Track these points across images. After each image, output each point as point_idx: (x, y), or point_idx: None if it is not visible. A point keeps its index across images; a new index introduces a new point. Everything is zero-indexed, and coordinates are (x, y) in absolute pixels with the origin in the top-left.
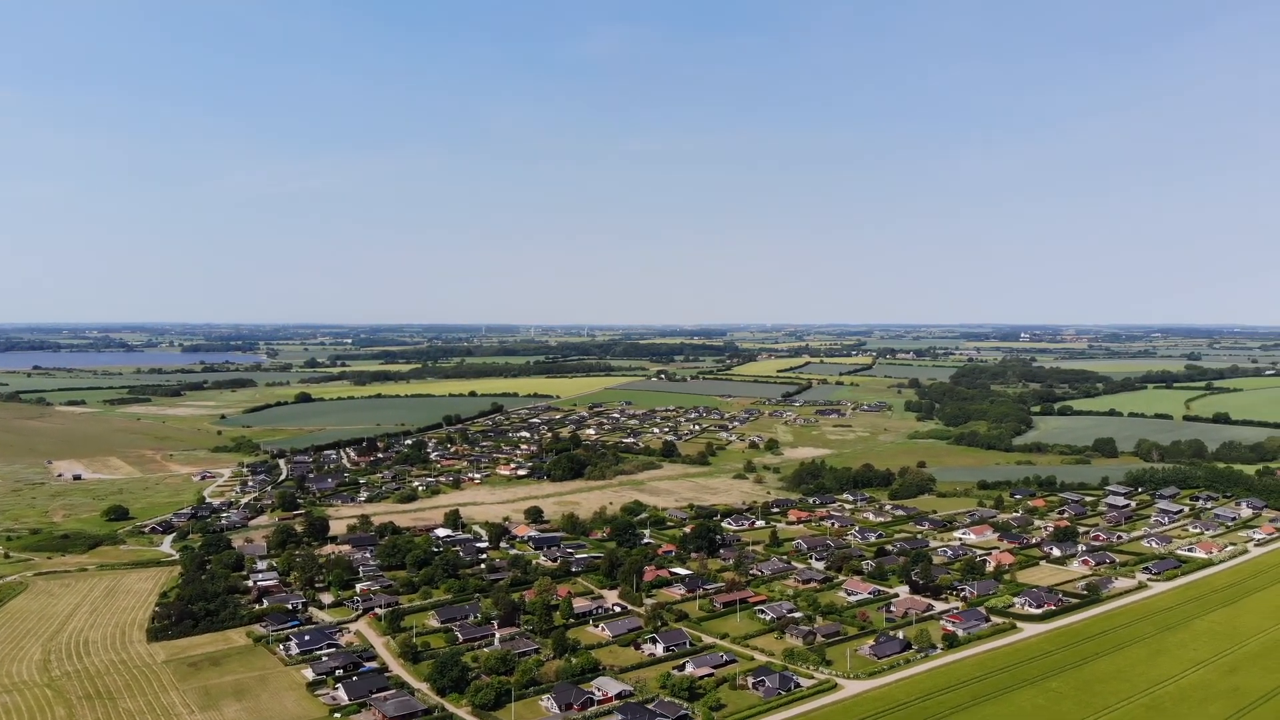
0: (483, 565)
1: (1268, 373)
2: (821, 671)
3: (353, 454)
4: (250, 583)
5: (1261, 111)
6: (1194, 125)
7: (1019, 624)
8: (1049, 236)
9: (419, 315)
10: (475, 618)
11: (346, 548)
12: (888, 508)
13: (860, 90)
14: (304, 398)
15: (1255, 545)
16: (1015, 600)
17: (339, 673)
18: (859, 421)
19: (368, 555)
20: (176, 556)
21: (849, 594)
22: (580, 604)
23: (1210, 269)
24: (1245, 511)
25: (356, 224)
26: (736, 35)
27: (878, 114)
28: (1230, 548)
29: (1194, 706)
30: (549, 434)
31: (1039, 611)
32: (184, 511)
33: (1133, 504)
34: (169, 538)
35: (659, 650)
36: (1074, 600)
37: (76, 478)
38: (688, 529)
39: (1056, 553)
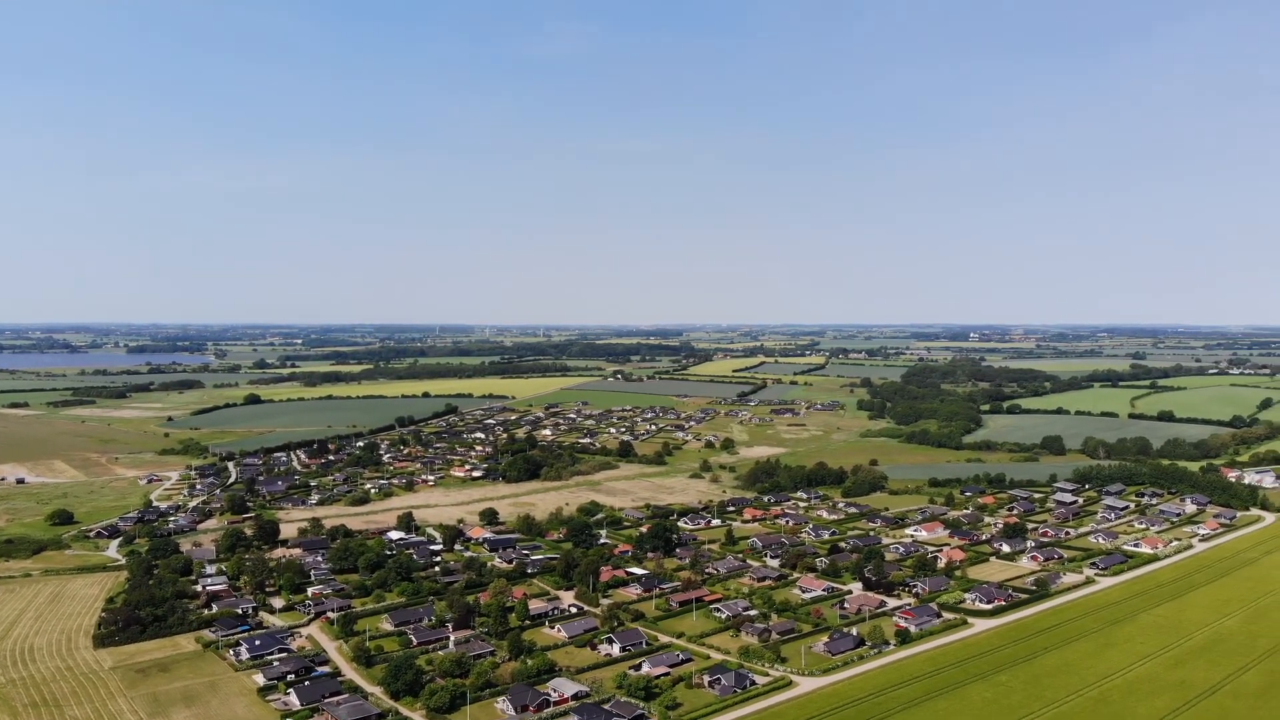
0: (437, 568)
1: (1210, 371)
2: (776, 669)
3: (303, 456)
4: (199, 587)
5: (1206, 118)
6: (1141, 130)
7: (970, 619)
8: (999, 238)
9: (371, 315)
10: (429, 620)
11: (297, 551)
12: (841, 505)
13: (813, 91)
14: (253, 399)
15: (1199, 540)
16: (966, 596)
17: (290, 678)
18: (813, 420)
19: (319, 559)
20: (123, 561)
21: (803, 591)
22: (536, 605)
23: (1155, 270)
24: (1189, 507)
25: (308, 223)
26: (690, 35)
27: (830, 115)
28: (1175, 543)
29: (1141, 699)
30: (504, 435)
31: (989, 607)
32: (130, 515)
33: (1080, 501)
34: (115, 542)
35: (615, 650)
36: (1023, 595)
37: (20, 481)
38: (644, 529)
39: (1006, 549)
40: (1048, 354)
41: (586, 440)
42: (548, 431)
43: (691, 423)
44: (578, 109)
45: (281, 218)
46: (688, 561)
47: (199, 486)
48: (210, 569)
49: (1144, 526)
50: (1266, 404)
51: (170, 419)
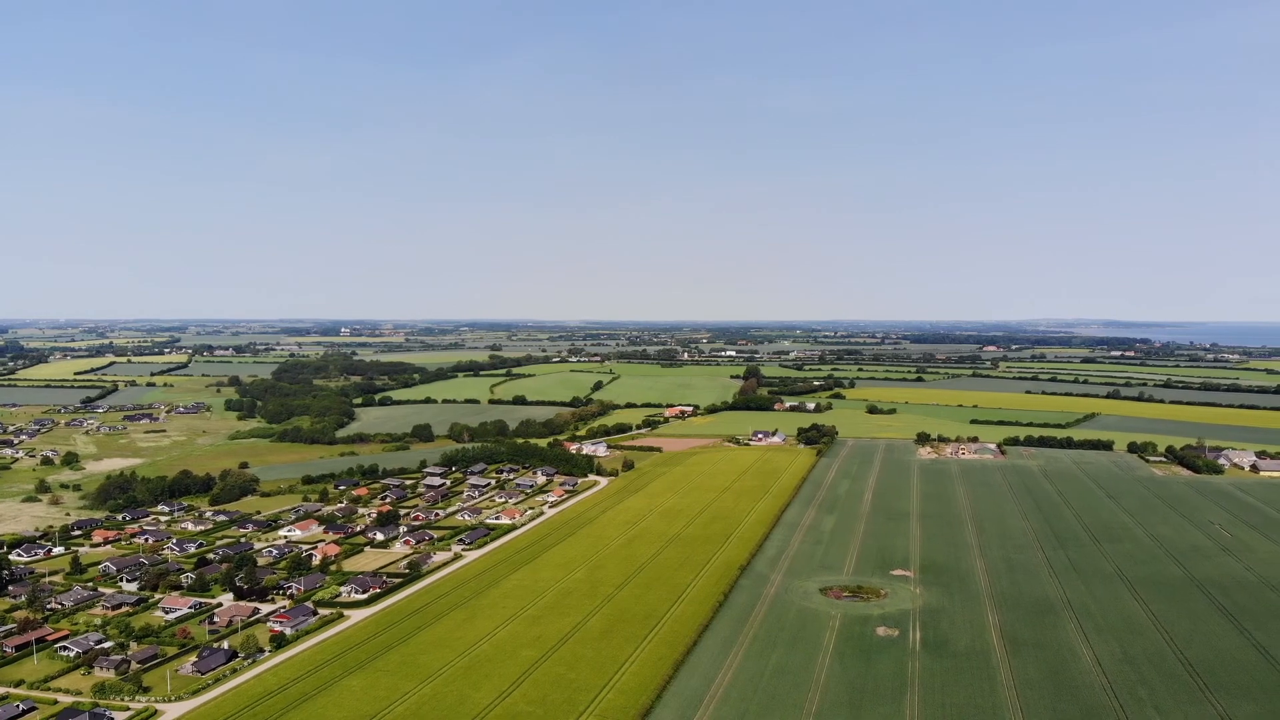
0: None
1: (554, 360)
2: (139, 700)
3: None
4: None
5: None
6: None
7: (346, 612)
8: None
9: None
10: None
11: None
12: (209, 514)
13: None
14: None
15: (549, 507)
16: (342, 589)
17: None
18: (175, 425)
19: None
20: None
21: (167, 612)
22: None
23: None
24: (540, 479)
25: None
26: None
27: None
28: (530, 511)
29: (507, 657)
30: None
31: (365, 597)
32: None
33: (448, 483)
34: None
35: None
36: (397, 580)
37: None
38: None
39: (380, 537)
40: (416, 347)
41: None
42: None
43: (23, 436)
44: None
45: None
46: (24, 599)
47: None
48: None
49: (503, 500)
50: (598, 386)
51: None
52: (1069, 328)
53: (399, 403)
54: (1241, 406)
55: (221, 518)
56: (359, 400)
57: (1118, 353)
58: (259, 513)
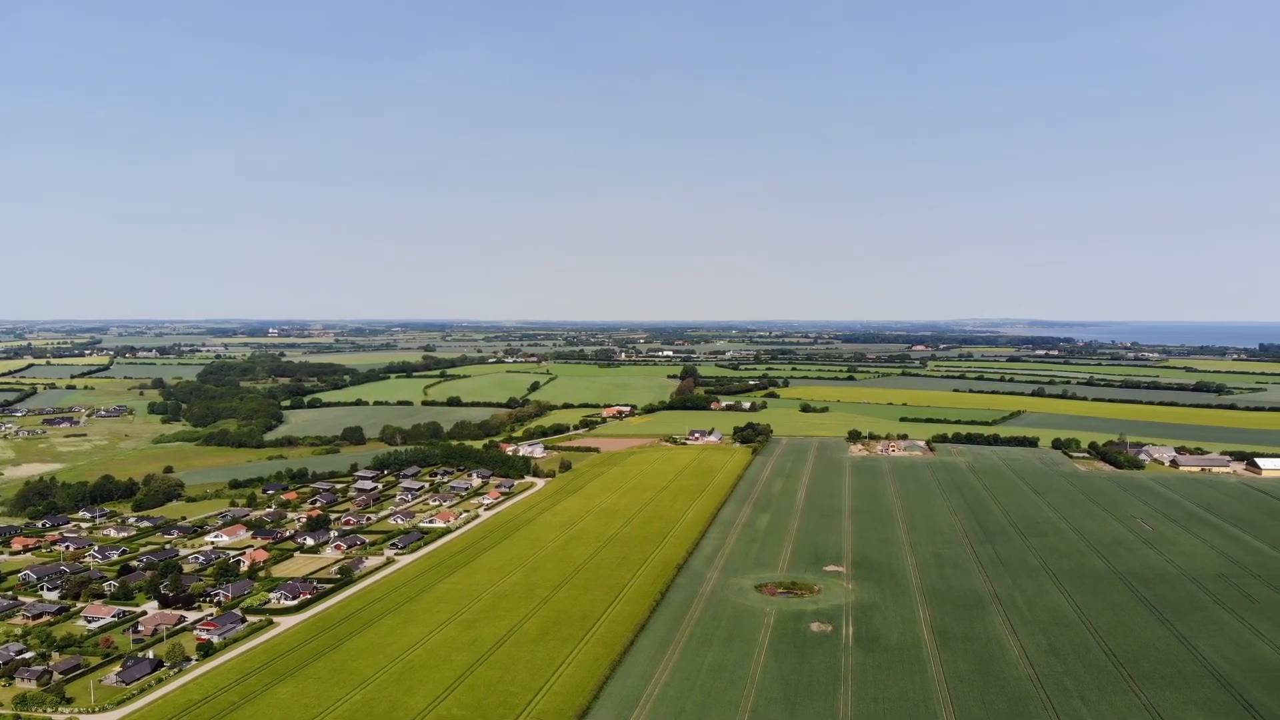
0: None
1: (490, 361)
2: (62, 712)
3: None
4: None
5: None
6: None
7: (275, 619)
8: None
9: None
10: None
11: None
12: (132, 521)
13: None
14: None
15: (485, 510)
16: (271, 596)
17: None
18: (96, 429)
19: None
20: None
21: (90, 621)
22: None
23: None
24: (476, 481)
25: None
26: None
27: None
28: (464, 514)
29: (441, 662)
30: None
31: (295, 603)
32: None
33: (380, 486)
34: None
35: None
36: (328, 585)
37: None
38: None
39: (310, 542)
40: (346, 348)
41: None
42: None
43: None
44: None
45: None
46: None
47: None
48: None
49: (438, 503)
50: (535, 386)
51: None
52: (995, 328)
53: (329, 405)
54: (1161, 404)
55: (145, 524)
56: (288, 402)
57: (1042, 352)
58: (184, 518)
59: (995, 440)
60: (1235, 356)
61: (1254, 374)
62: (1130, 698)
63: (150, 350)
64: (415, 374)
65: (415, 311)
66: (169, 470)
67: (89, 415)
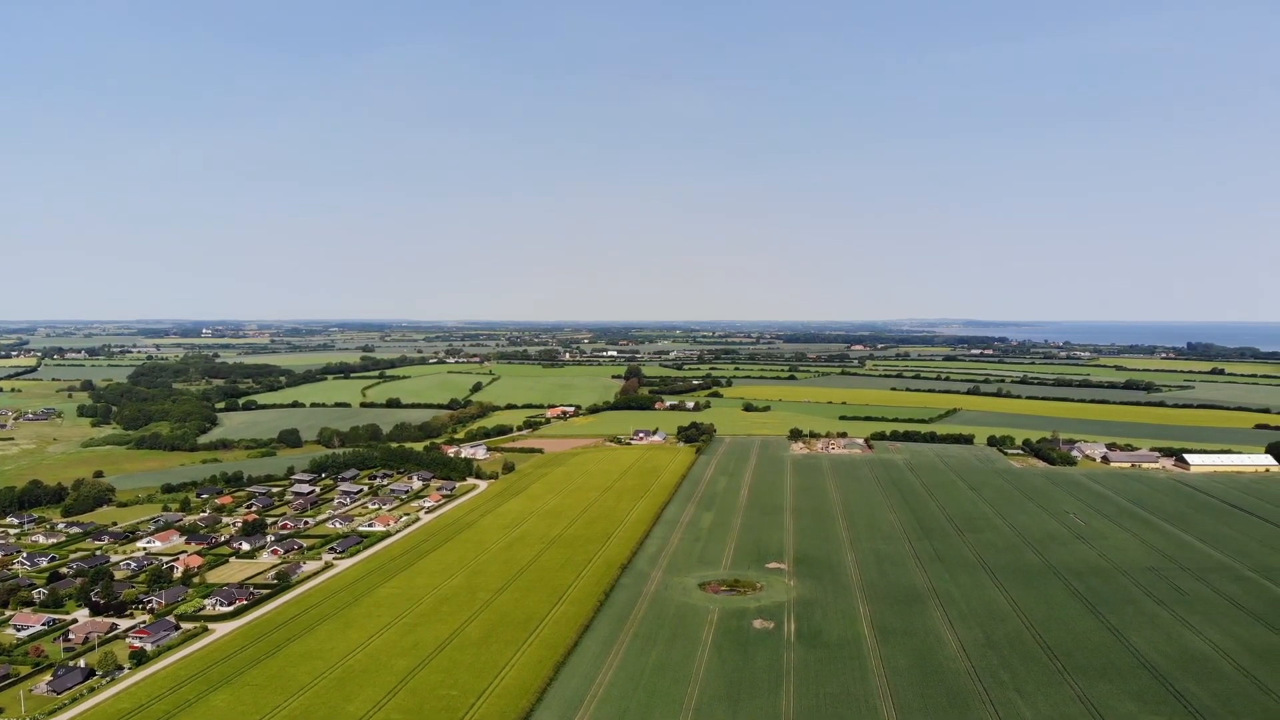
0: None
1: (431, 361)
2: None
3: None
4: None
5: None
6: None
7: (211, 625)
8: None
9: None
10: None
11: None
12: (61, 526)
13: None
14: None
15: (426, 513)
16: (206, 602)
17: None
18: (23, 432)
19: None
20: None
21: (19, 629)
22: None
23: (374, 270)
24: (416, 484)
25: None
26: None
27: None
28: (405, 518)
29: (382, 667)
30: None
31: (231, 609)
32: None
33: (318, 490)
34: None
35: None
36: (265, 591)
37: None
38: None
39: (246, 547)
40: (283, 349)
41: None
42: None
43: None
44: None
45: None
46: None
47: None
48: None
49: (377, 506)
50: (477, 387)
51: None
52: (932, 327)
53: (265, 407)
54: (1092, 401)
55: (75, 530)
56: (222, 405)
57: (977, 351)
58: (116, 524)
59: (932, 438)
60: (1164, 355)
61: (1182, 372)
62: (1064, 689)
63: (79, 351)
64: (354, 375)
65: (353, 311)
66: (99, 475)
67: (15, 419)
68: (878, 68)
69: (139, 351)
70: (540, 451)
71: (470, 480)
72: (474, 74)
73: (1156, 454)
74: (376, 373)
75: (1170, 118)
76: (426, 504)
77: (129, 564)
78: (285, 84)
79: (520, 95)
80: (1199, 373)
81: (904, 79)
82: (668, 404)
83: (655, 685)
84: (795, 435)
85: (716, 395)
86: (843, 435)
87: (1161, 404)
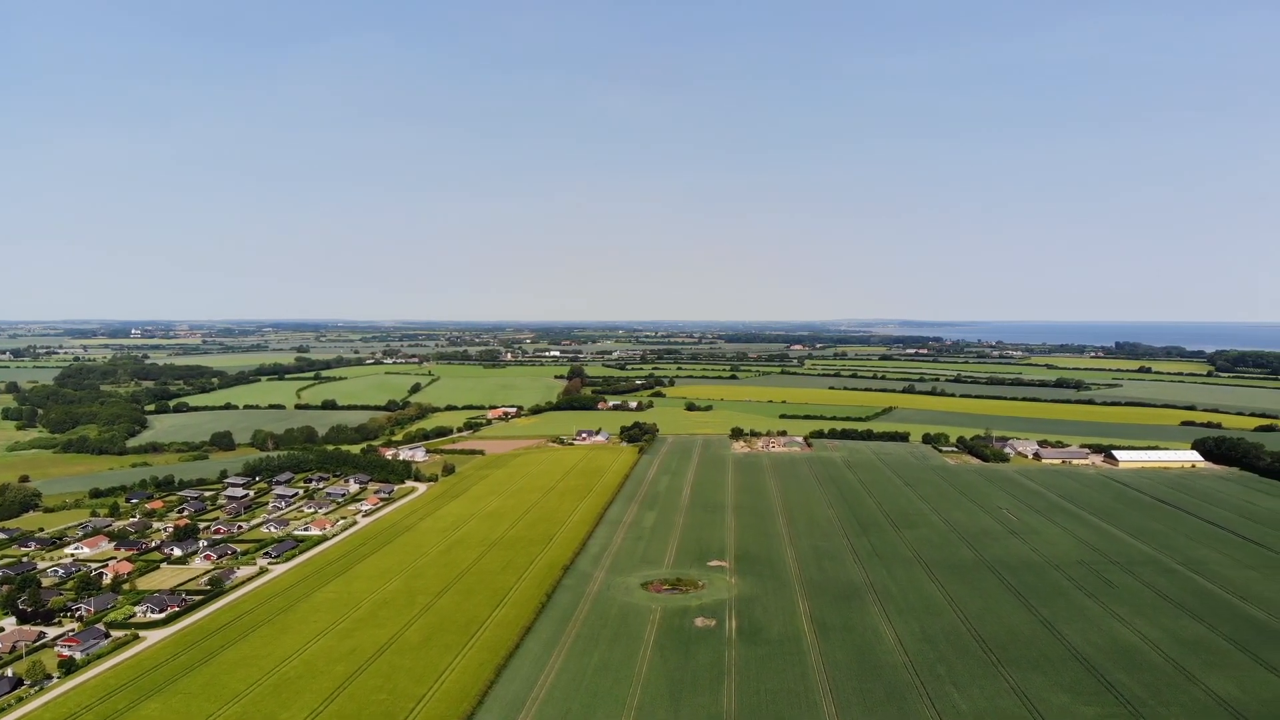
0: None
1: (368, 362)
2: None
3: None
4: None
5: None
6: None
7: (142, 633)
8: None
9: None
10: None
11: None
12: None
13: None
14: None
15: (363, 516)
16: (136, 609)
17: None
18: None
19: None
20: None
21: None
22: None
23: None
24: (353, 487)
25: None
26: None
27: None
28: (342, 521)
29: (319, 673)
30: None
31: (162, 616)
32: None
33: (252, 493)
34: None
35: None
36: (198, 597)
37: None
38: None
39: (178, 552)
40: (215, 350)
41: None
42: None
43: None
44: None
45: None
46: None
47: None
48: None
49: (313, 510)
50: (416, 388)
51: None
52: (868, 327)
53: (197, 409)
54: (1024, 399)
55: (1, 536)
56: (152, 407)
57: (912, 350)
58: (42, 530)
59: (869, 435)
60: (1093, 354)
61: (1110, 370)
62: (999, 681)
63: (3, 352)
64: (288, 376)
65: (288, 312)
66: (25, 479)
67: None
68: (829, 68)
69: (65, 352)
70: (481, 453)
71: (409, 483)
72: (415, 70)
73: (1087, 450)
74: (312, 374)
75: (1105, 122)
76: (364, 507)
77: (56, 571)
78: (215, 78)
79: (462, 91)
80: (1127, 371)
81: (850, 82)
82: (611, 404)
83: (597, 686)
84: (737, 434)
85: (659, 395)
86: (783, 434)
87: (1091, 401)
